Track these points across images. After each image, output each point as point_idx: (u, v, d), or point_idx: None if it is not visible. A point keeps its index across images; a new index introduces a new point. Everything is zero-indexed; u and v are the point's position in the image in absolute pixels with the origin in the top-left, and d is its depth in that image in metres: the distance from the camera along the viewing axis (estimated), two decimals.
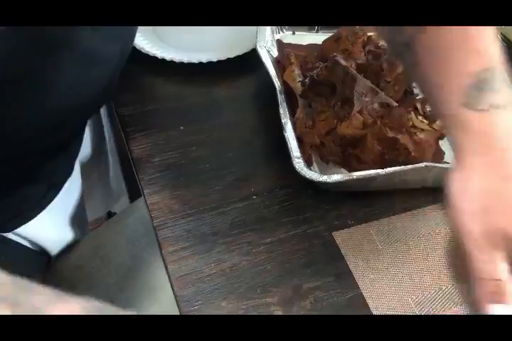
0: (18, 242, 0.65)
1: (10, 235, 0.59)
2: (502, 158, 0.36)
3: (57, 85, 0.42)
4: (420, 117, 0.61)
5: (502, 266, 0.34)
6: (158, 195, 0.53)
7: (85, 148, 0.68)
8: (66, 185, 0.61)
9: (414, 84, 0.66)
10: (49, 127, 0.47)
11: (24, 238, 0.60)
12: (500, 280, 0.34)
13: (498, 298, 0.34)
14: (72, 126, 0.55)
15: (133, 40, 0.53)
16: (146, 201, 0.53)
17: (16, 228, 0.56)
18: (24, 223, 0.57)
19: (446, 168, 0.53)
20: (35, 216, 0.57)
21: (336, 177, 0.50)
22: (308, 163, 0.56)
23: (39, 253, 0.73)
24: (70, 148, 0.60)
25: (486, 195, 0.36)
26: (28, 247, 0.66)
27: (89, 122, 0.66)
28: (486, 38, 0.38)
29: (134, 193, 0.93)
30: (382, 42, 0.69)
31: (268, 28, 0.65)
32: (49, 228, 0.63)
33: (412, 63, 0.42)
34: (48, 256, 0.75)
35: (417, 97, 0.64)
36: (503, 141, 0.36)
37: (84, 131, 0.63)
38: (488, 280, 0.34)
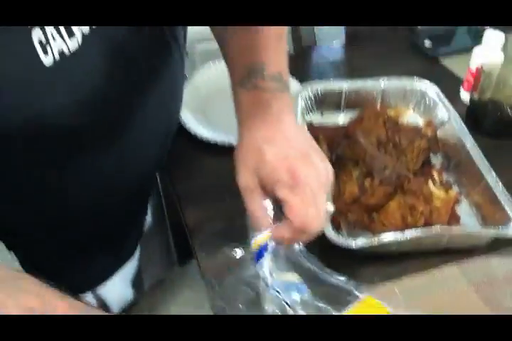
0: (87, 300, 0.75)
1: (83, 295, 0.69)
2: (263, 123, 0.51)
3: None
4: (437, 185, 0.70)
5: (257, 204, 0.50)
6: (208, 259, 0.62)
7: (147, 218, 0.79)
8: None
9: (431, 155, 0.74)
10: (127, 192, 0.58)
11: (94, 297, 0.70)
12: (258, 215, 0.50)
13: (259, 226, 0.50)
14: (143, 191, 0.66)
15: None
16: (199, 264, 0.62)
17: (91, 289, 0.66)
18: (99, 284, 0.66)
19: (460, 232, 0.60)
20: (109, 279, 0.67)
21: (361, 241, 0.58)
22: (338, 229, 0.64)
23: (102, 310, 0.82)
24: (139, 218, 0.70)
25: (255, 156, 0.50)
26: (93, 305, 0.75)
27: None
28: (270, 46, 0.53)
29: (183, 258, 1.02)
30: (401, 120, 0.79)
31: (299, 111, 0.76)
32: (114, 289, 0.73)
33: (224, 53, 0.56)
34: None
35: (434, 167, 0.73)
36: (262, 110, 0.51)
37: (148, 200, 0.74)
38: (252, 216, 0.50)
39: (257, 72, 0.52)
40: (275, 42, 0.54)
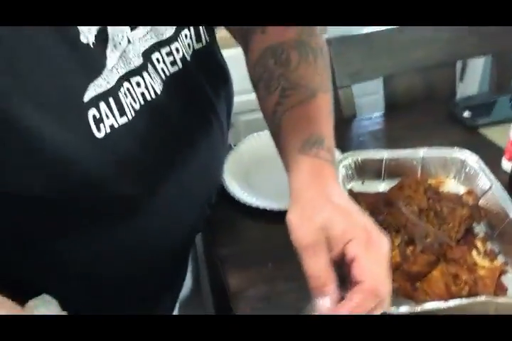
0: None
1: None
2: (322, 191, 0.51)
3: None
4: (481, 255, 0.69)
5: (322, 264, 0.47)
6: None
7: (185, 287, 0.79)
8: None
9: (474, 224, 0.74)
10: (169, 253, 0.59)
11: None
12: (319, 276, 0.47)
13: (320, 291, 0.47)
14: (180, 256, 0.67)
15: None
16: None
17: None
18: None
19: (506, 301, 0.59)
20: None
21: (403, 309, 0.58)
22: None
23: None
24: (177, 284, 0.71)
25: (324, 213, 0.49)
26: None
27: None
28: (324, 119, 0.56)
29: None
30: (442, 189, 0.80)
31: (340, 180, 0.78)
32: None
33: (275, 124, 0.58)
34: None
35: (477, 236, 0.72)
36: (325, 179, 0.52)
37: (187, 266, 0.75)
38: (312, 278, 0.47)
39: (318, 142, 0.54)
40: (327, 115, 0.57)
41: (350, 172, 0.83)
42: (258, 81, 0.60)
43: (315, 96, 0.57)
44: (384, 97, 1.09)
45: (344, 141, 0.98)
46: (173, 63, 0.55)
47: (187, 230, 0.62)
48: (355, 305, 0.45)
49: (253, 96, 0.62)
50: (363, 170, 0.83)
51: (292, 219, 0.50)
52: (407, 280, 0.64)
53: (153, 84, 0.51)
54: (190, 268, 0.85)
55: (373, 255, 0.47)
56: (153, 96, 0.51)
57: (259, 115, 0.62)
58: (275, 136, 0.59)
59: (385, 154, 0.82)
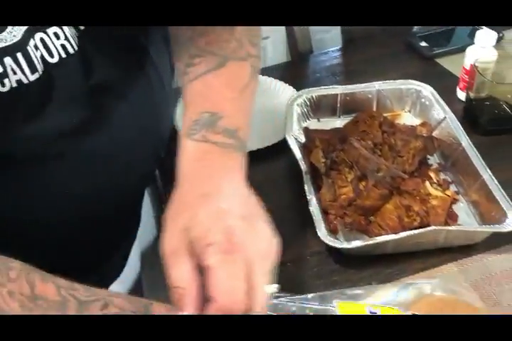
0: None
1: None
2: (204, 180, 0.44)
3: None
4: (434, 185, 0.69)
5: (182, 274, 0.39)
6: None
7: (146, 236, 0.78)
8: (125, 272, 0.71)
9: (428, 156, 0.74)
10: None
11: None
12: (178, 287, 0.39)
13: (180, 304, 0.39)
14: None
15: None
16: None
17: None
18: None
19: (454, 230, 0.60)
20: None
21: (356, 244, 0.58)
22: (335, 232, 0.64)
23: None
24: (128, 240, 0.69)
25: (187, 214, 0.42)
26: None
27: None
28: (231, 96, 0.48)
29: None
30: (397, 121, 0.80)
31: (295, 118, 0.77)
32: None
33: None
34: None
35: (432, 167, 0.73)
36: (208, 168, 0.45)
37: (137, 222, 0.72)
38: (173, 288, 0.39)
39: (209, 123, 0.46)
40: (238, 93, 0.49)
41: (305, 110, 0.81)
42: (172, 42, 0.55)
43: (224, 65, 0.50)
44: (341, 31, 1.05)
45: (300, 78, 0.95)
46: None
47: (133, 182, 0.59)
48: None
49: None
50: (319, 108, 0.82)
51: (164, 220, 0.43)
52: (360, 214, 0.65)
53: (73, 36, 0.46)
54: (153, 215, 0.84)
55: (231, 265, 0.39)
56: (76, 47, 0.46)
57: None
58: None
59: (339, 89, 0.81)
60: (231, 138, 0.46)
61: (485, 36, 0.79)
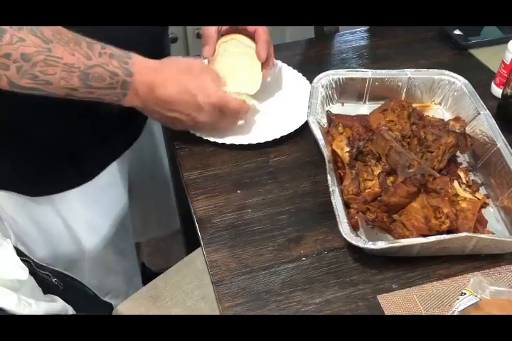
0: (84, 290, 0.73)
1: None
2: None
3: None
4: (463, 186, 0.65)
5: None
6: (217, 253, 0.58)
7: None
8: (107, 179, 0.77)
9: (458, 153, 0.70)
10: None
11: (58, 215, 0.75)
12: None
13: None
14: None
15: None
16: (205, 259, 0.58)
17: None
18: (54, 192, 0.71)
19: (487, 238, 0.56)
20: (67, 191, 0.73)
21: (380, 245, 0.54)
22: (355, 228, 0.60)
23: (103, 302, 0.80)
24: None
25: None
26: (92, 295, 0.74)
27: None
28: None
29: (190, 247, 0.99)
30: (426, 114, 0.75)
31: (319, 101, 0.72)
32: (78, 210, 0.77)
33: None
34: (110, 304, 0.81)
35: (461, 166, 0.68)
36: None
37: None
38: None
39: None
40: None
41: (329, 92, 0.76)
42: None
43: None
44: None
45: (325, 57, 0.89)
46: None
47: None
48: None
49: None
50: (344, 91, 0.76)
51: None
52: (384, 211, 0.61)
53: None
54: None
55: None
56: None
57: None
58: None
59: (369, 73, 0.75)
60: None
61: None
